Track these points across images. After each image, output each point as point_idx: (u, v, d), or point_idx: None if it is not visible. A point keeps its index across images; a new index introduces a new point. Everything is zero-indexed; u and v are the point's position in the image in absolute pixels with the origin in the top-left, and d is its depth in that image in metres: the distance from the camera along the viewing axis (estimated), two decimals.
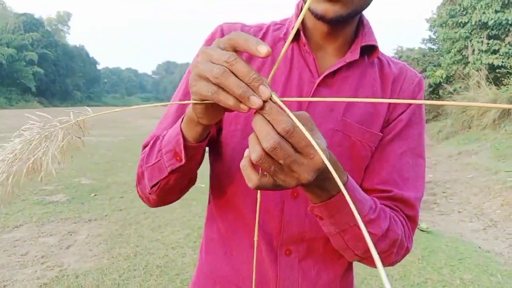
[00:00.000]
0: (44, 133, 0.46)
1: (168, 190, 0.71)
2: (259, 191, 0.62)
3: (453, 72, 13.74)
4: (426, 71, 14.84)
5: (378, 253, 0.69)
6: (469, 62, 12.96)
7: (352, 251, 0.67)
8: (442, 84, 13.85)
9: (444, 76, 13.79)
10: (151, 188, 0.71)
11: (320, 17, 0.67)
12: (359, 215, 0.59)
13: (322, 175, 0.47)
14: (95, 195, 5.48)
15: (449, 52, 13.93)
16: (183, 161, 0.63)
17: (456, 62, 13.68)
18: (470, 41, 12.95)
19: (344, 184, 0.58)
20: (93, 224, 4.23)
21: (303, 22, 0.76)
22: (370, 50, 0.76)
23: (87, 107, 0.49)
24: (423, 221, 4.63)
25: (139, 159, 0.76)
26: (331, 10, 0.65)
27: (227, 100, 0.43)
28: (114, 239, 3.79)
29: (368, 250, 0.67)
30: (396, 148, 0.75)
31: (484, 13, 12.33)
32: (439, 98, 14.17)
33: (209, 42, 0.78)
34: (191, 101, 0.49)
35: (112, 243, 3.67)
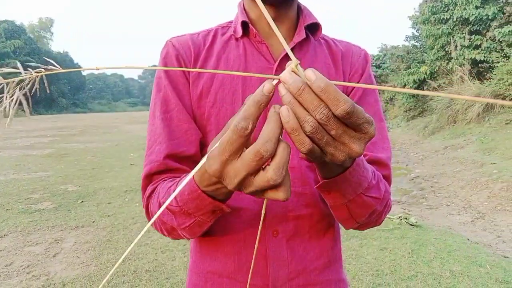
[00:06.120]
0: None
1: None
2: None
3: (437, 68, 13.92)
4: (410, 67, 14.99)
5: (377, 215, 0.73)
6: (452, 58, 13.13)
7: (354, 219, 0.71)
8: (427, 80, 14.01)
9: (428, 72, 13.96)
10: (183, 229, 0.69)
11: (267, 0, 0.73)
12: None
13: None
14: (82, 201, 5.40)
15: (433, 48, 14.08)
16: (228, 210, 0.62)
17: (439, 58, 13.85)
18: (453, 37, 13.12)
19: None
20: (80, 231, 4.16)
21: (248, 16, 0.80)
22: (314, 29, 0.82)
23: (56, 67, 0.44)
24: (412, 215, 4.66)
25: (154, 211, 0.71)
26: None
27: None
28: (102, 245, 3.73)
29: (369, 216, 0.71)
30: None
31: (465, 9, 12.51)
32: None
33: (165, 59, 0.79)
34: None
35: (100, 250, 3.62)
